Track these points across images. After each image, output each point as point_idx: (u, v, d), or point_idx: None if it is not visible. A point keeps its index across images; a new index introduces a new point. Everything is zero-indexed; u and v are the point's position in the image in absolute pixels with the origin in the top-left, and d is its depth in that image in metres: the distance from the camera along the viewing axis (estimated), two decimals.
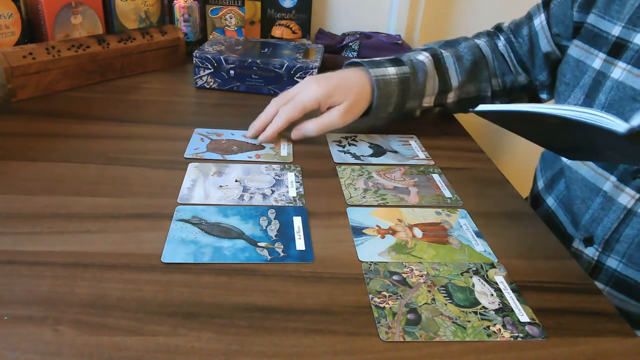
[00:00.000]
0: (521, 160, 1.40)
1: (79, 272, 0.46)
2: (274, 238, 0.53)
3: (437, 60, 0.76)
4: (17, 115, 0.77)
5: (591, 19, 0.64)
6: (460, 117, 0.91)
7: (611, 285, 0.59)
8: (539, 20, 0.74)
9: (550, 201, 0.71)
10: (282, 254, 0.51)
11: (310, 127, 0.71)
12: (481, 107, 0.41)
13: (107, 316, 0.42)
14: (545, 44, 0.73)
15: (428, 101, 0.78)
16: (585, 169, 0.61)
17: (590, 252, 0.60)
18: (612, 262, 0.58)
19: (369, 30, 1.18)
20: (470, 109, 0.44)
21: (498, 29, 0.83)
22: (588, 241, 0.61)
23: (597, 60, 0.61)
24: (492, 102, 0.82)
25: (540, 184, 0.74)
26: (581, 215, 0.61)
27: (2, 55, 0.78)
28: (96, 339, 0.40)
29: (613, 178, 0.58)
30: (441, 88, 0.77)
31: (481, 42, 0.80)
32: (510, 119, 0.44)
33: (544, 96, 0.80)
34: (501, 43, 0.80)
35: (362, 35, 1.12)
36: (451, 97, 0.78)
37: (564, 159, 0.65)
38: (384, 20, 1.26)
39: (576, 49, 0.65)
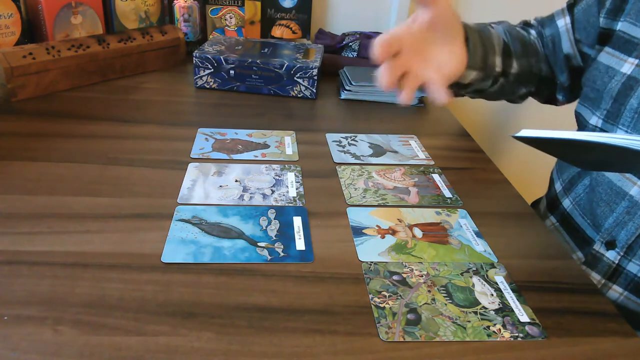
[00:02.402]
0: (521, 160, 1.40)
1: (79, 272, 0.46)
2: (274, 238, 0.53)
3: (490, 26, 0.73)
4: (17, 115, 0.77)
5: (622, 26, 0.63)
6: (460, 117, 0.91)
7: (630, 290, 0.59)
8: (563, 23, 0.74)
9: (566, 203, 0.70)
10: (282, 254, 0.51)
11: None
12: (523, 133, 0.41)
13: (107, 316, 0.42)
14: (567, 46, 0.73)
15: (499, 62, 0.71)
16: (612, 173, 0.61)
17: (612, 255, 0.60)
18: (633, 267, 0.58)
19: (369, 30, 1.18)
20: (510, 135, 0.43)
21: (526, 24, 0.82)
22: (610, 244, 0.60)
23: (627, 65, 0.61)
24: (540, 81, 0.79)
25: (558, 187, 0.74)
26: (604, 218, 0.61)
27: (2, 55, 0.78)
28: (96, 339, 0.40)
29: None
30: (505, 48, 0.72)
31: (518, 27, 0.79)
32: (550, 143, 0.44)
33: (560, 97, 0.79)
34: (532, 36, 0.79)
35: (362, 35, 1.12)
36: (514, 67, 0.73)
37: None
38: (384, 20, 1.26)
39: (607, 56, 0.65)
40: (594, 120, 0.64)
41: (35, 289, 0.44)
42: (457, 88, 0.71)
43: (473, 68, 0.67)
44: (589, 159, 0.47)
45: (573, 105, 0.74)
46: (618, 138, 0.36)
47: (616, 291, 0.60)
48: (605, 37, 0.66)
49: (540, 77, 0.78)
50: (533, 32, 0.80)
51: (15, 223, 0.52)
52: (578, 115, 0.70)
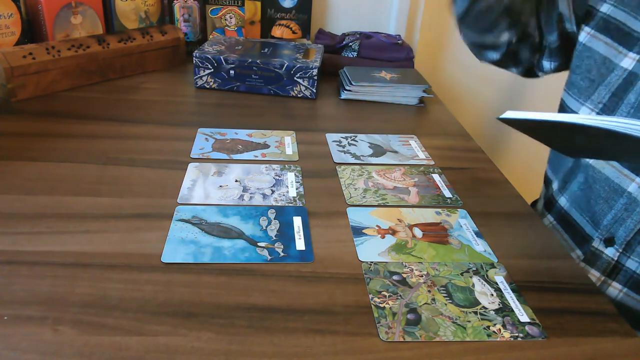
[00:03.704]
0: (521, 160, 1.40)
1: (79, 272, 0.46)
2: (274, 238, 0.53)
3: None
4: (17, 115, 0.77)
5: (612, 12, 0.63)
6: (460, 117, 0.91)
7: (629, 286, 0.59)
8: None
9: (562, 201, 0.71)
10: (282, 254, 0.51)
11: None
12: (508, 115, 0.40)
13: (107, 316, 0.42)
14: (564, 6, 0.71)
15: None
16: (610, 170, 0.61)
17: (611, 252, 0.60)
18: (631, 264, 0.58)
19: (369, 30, 1.18)
20: (497, 117, 0.43)
21: None
22: (609, 241, 0.60)
23: (627, 60, 0.60)
24: (522, 36, 0.78)
25: (555, 186, 0.74)
26: (603, 215, 0.61)
27: (2, 55, 0.78)
28: (96, 339, 0.40)
29: (639, 179, 0.58)
30: None
31: None
32: (536, 126, 0.43)
33: (546, 63, 0.78)
34: None
35: (362, 35, 1.12)
36: None
37: (587, 160, 0.65)
38: (384, 20, 1.26)
39: (604, 46, 0.64)
40: (585, 111, 0.64)
41: (35, 289, 0.44)
42: None
43: None
44: (574, 144, 0.46)
45: None
46: (606, 121, 0.36)
47: (615, 288, 0.60)
48: (588, 16, 0.65)
49: (524, 32, 0.76)
50: None
51: (15, 223, 0.52)
52: (563, 104, 0.69)
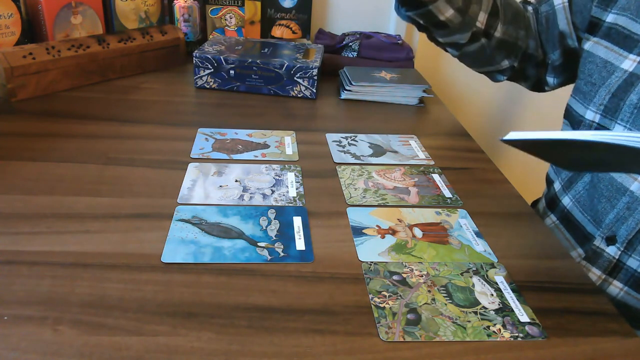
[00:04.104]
0: (521, 160, 1.40)
1: (79, 272, 0.46)
2: (274, 238, 0.53)
3: None
4: (17, 115, 0.77)
5: (616, 19, 0.63)
6: (460, 117, 0.91)
7: (630, 285, 0.59)
8: (560, 0, 0.74)
9: (566, 201, 0.71)
10: (282, 254, 0.51)
11: None
12: (511, 136, 0.40)
13: (107, 316, 0.42)
14: (564, 24, 0.73)
15: (482, 19, 0.74)
16: None
17: (612, 250, 0.60)
18: (633, 262, 0.59)
19: (369, 30, 1.18)
20: (500, 138, 0.43)
21: (526, 1, 0.82)
22: (610, 240, 0.61)
23: (628, 62, 0.61)
24: (524, 58, 0.80)
25: (557, 186, 0.74)
26: (605, 214, 0.62)
27: (2, 55, 0.78)
28: (96, 339, 0.40)
29: None
30: (493, 8, 0.74)
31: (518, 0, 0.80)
32: (540, 145, 0.44)
33: (550, 79, 0.79)
34: (529, 12, 0.79)
35: (362, 35, 1.12)
36: (499, 31, 0.75)
37: None
38: (384, 20, 1.26)
39: (604, 50, 0.65)
40: (590, 114, 0.64)
41: (35, 289, 0.44)
42: (433, 26, 0.73)
43: (450, 3, 0.69)
44: (578, 159, 0.47)
45: None
46: (610, 136, 0.36)
47: (616, 287, 0.60)
48: (593, 27, 0.66)
49: (525, 54, 0.78)
50: (530, 8, 0.80)
51: (15, 223, 0.52)
52: (569, 108, 0.70)
